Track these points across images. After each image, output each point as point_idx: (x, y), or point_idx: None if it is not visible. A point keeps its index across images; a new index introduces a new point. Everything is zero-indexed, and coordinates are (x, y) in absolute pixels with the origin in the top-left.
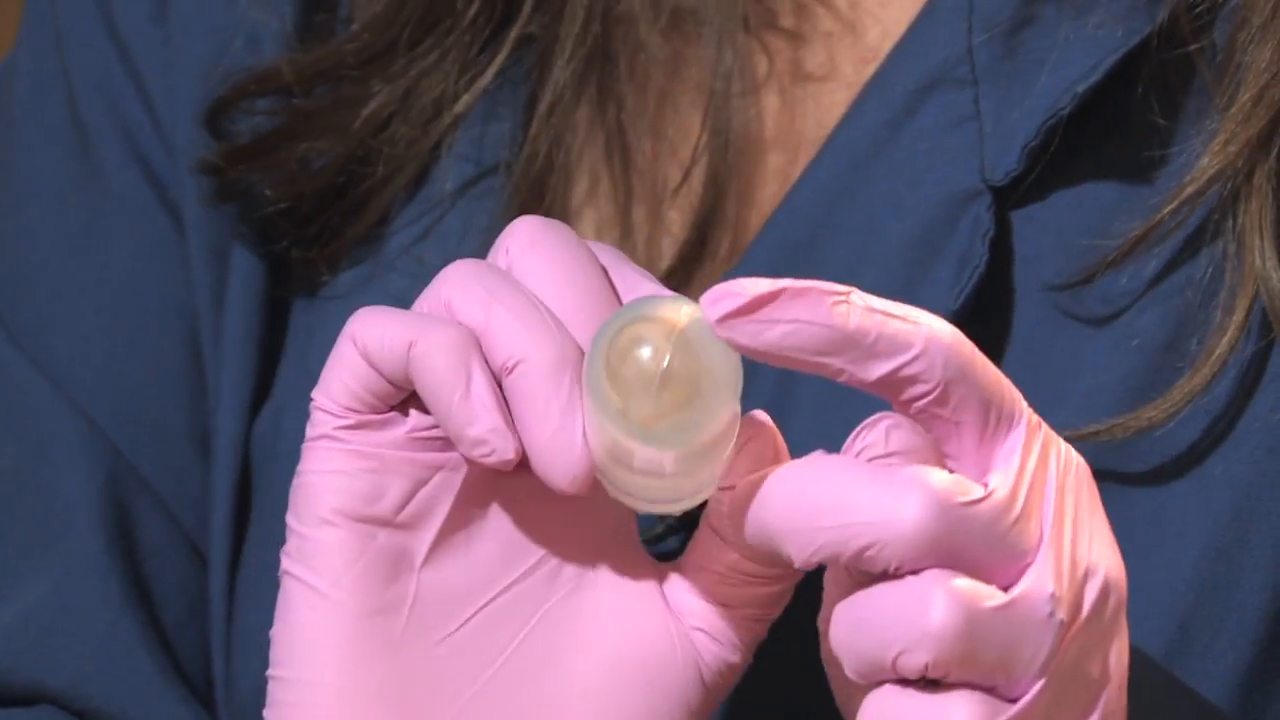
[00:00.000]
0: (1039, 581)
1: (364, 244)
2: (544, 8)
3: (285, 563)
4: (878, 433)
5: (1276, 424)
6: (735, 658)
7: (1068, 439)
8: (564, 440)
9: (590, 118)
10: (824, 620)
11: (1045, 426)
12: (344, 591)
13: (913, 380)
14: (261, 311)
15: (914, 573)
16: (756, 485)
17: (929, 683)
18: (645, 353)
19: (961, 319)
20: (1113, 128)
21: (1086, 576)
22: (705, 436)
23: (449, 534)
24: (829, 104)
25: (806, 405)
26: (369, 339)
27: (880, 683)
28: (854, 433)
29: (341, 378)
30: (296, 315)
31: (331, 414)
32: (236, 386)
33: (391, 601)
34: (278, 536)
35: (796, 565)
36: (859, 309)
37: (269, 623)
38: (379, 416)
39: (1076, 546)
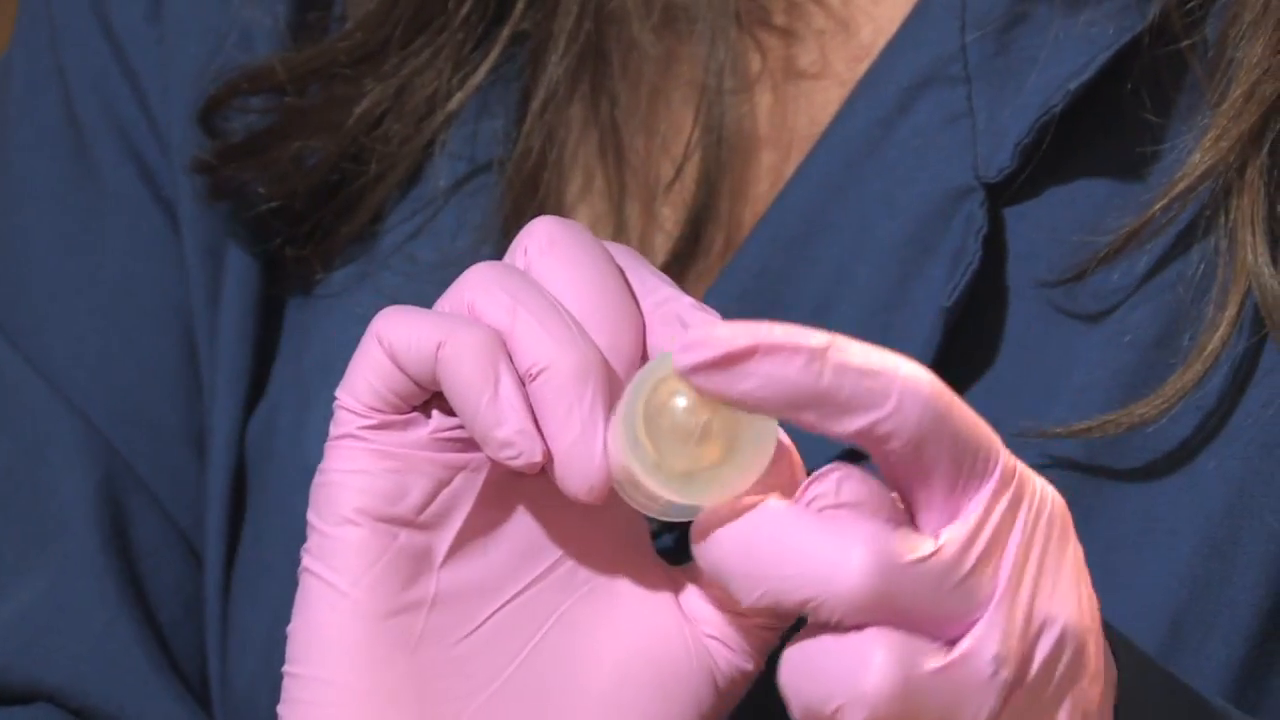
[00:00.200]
0: (984, 640)
1: (357, 242)
2: (537, 5)
3: (306, 560)
4: (829, 484)
5: (1269, 420)
6: (748, 664)
7: (1060, 435)
8: (584, 449)
9: (583, 114)
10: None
11: (1021, 470)
12: (364, 591)
13: (885, 436)
14: (256, 310)
15: (857, 628)
16: (714, 523)
17: None
18: (685, 408)
19: (954, 316)
20: (1105, 124)
21: (1041, 630)
22: (740, 489)
23: (469, 535)
24: (822, 101)
25: None
26: (395, 339)
27: None
28: (805, 482)
29: (366, 377)
30: (291, 313)
31: (356, 413)
32: (231, 385)
33: (411, 601)
34: (273, 534)
35: (743, 607)
36: (831, 366)
37: (264, 621)
38: (402, 416)
39: (1035, 599)
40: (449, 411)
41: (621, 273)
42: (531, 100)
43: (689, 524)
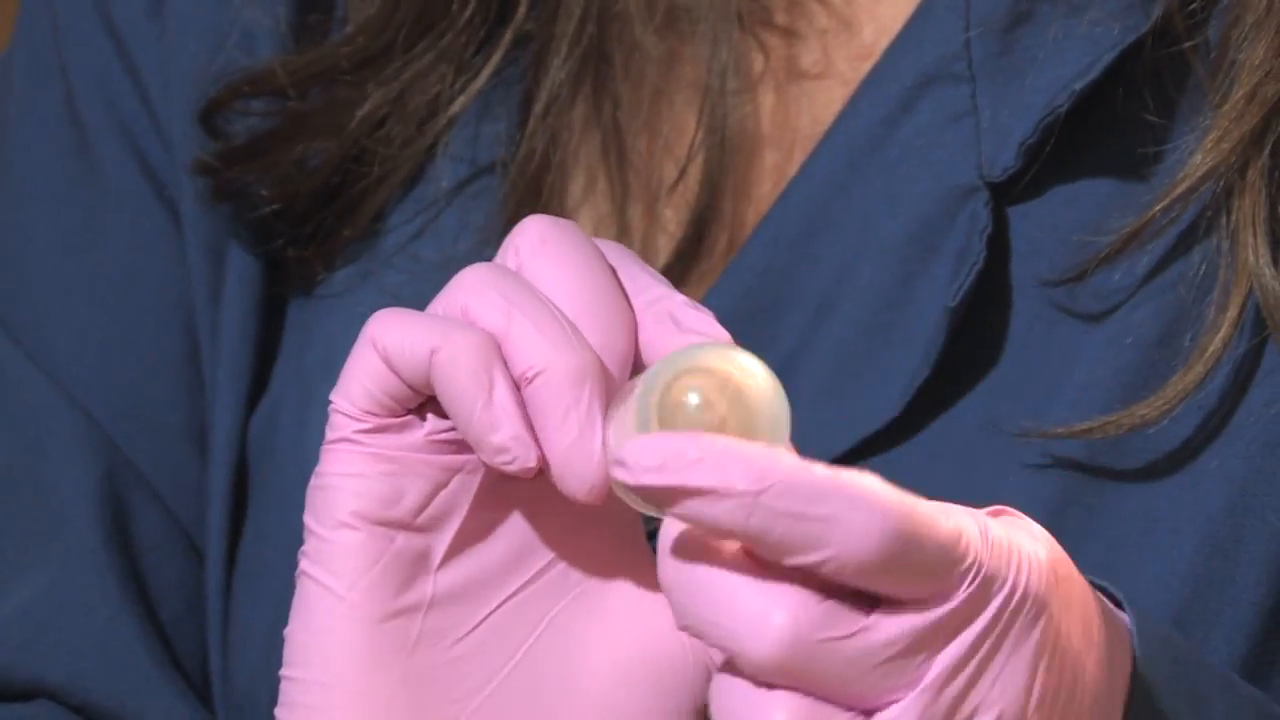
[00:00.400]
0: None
1: (360, 242)
2: (539, 7)
3: (303, 564)
4: None
5: (1271, 419)
6: None
7: (1061, 436)
8: (583, 451)
9: (586, 116)
10: None
11: (997, 557)
12: (361, 594)
13: (827, 573)
14: (258, 308)
15: (769, 685)
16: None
17: None
18: (698, 405)
19: (958, 315)
20: (1107, 124)
21: (971, 718)
22: None
23: (465, 537)
24: (824, 101)
25: (811, 380)
26: (390, 342)
27: None
28: None
29: (361, 381)
30: (293, 311)
31: (351, 417)
32: (233, 382)
33: (408, 604)
34: (274, 532)
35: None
36: (762, 510)
37: (265, 618)
38: (398, 420)
39: (974, 686)
40: (444, 414)
41: (613, 271)
42: (534, 102)
43: None
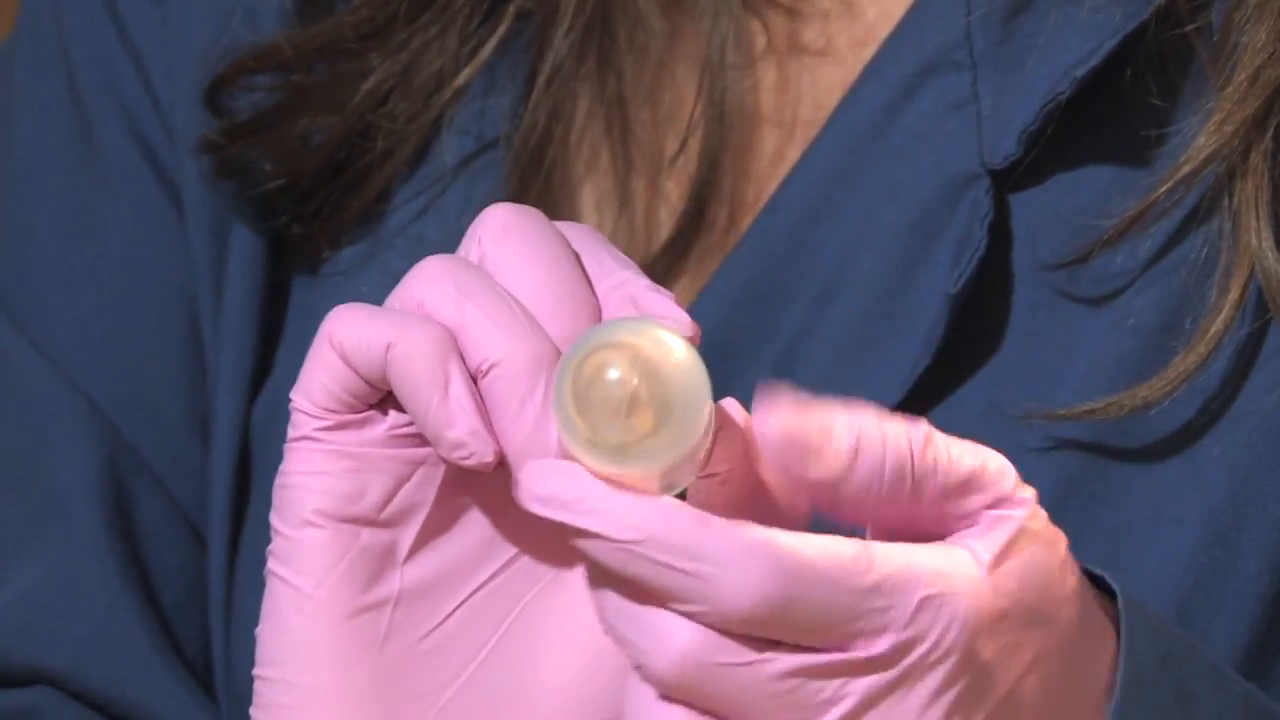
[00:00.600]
0: None
1: (364, 222)
2: None
3: (270, 563)
4: None
5: (1273, 406)
6: None
7: (1063, 417)
8: (539, 443)
9: (590, 89)
10: None
11: (932, 603)
12: (328, 591)
13: (709, 624)
14: (261, 292)
15: (668, 699)
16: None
17: None
18: (611, 380)
19: (960, 303)
20: (1110, 109)
21: None
22: (678, 457)
23: (431, 529)
24: (825, 83)
25: (812, 368)
26: (346, 339)
27: None
28: None
29: (320, 379)
30: (296, 294)
31: (311, 415)
32: (236, 367)
33: (376, 600)
34: None
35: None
36: (639, 558)
37: None
38: (358, 416)
39: None
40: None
41: (577, 257)
42: (538, 75)
43: None
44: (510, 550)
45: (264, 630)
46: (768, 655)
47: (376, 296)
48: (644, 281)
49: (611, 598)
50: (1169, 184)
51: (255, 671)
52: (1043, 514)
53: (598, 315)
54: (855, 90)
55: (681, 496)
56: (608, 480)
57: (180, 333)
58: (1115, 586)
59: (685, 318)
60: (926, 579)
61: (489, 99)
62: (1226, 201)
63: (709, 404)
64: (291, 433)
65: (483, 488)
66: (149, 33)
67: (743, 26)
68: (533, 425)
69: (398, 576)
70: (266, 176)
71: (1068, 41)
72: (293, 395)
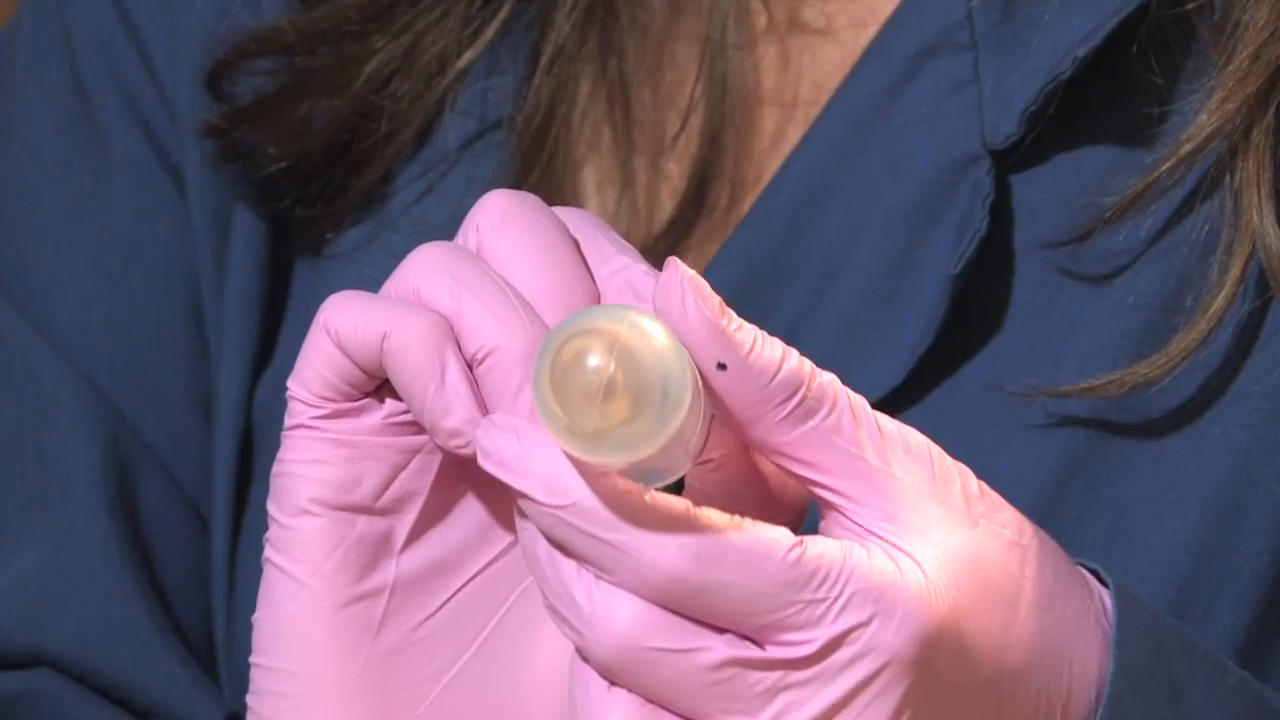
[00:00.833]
0: None
1: (367, 204)
2: None
3: (267, 551)
4: None
5: (1274, 386)
6: None
7: (1065, 394)
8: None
9: (592, 70)
10: None
11: (881, 603)
12: (324, 580)
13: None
14: (263, 274)
15: (613, 683)
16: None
17: None
18: (588, 366)
19: (961, 283)
20: (1112, 88)
21: None
22: (655, 446)
23: (427, 518)
24: (826, 64)
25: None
26: (342, 327)
27: None
28: None
29: (316, 367)
30: (299, 276)
31: (307, 403)
32: (238, 349)
33: (371, 588)
34: None
35: None
36: (564, 528)
37: None
38: (355, 404)
39: None
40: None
41: (576, 244)
42: (540, 56)
43: None
44: (506, 538)
45: (260, 618)
46: (703, 644)
47: (379, 278)
48: (643, 267)
49: (558, 574)
50: (1170, 162)
51: (251, 659)
52: (1016, 523)
53: (596, 301)
54: (856, 71)
55: (680, 484)
56: (580, 465)
57: (182, 315)
58: (1109, 580)
59: (676, 307)
60: (863, 577)
61: (491, 80)
62: (1228, 180)
63: (690, 391)
64: (288, 421)
65: (478, 476)
66: (151, 16)
67: (743, 6)
68: (527, 413)
69: (393, 565)
70: (270, 159)
71: (1069, 21)
72: (289, 383)
